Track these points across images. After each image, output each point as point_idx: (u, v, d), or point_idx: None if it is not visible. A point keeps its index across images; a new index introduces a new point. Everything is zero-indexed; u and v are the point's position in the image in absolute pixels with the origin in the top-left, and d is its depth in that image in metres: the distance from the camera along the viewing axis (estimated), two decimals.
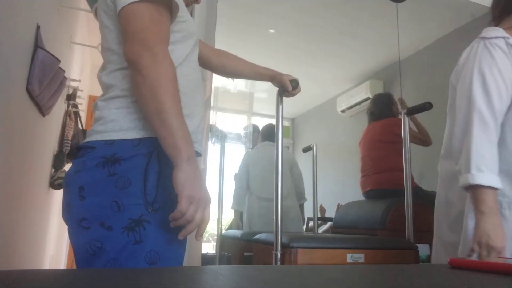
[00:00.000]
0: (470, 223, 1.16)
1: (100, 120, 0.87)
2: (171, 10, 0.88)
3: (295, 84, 1.32)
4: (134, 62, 0.80)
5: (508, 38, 1.18)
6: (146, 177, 0.82)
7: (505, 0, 1.28)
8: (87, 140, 0.88)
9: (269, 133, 3.23)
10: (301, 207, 3.11)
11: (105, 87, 0.91)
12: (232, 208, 3.18)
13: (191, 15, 2.22)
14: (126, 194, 0.80)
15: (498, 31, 1.20)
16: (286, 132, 4.97)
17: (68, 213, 0.84)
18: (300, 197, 3.12)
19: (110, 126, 0.85)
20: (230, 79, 3.73)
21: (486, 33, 1.22)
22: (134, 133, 0.85)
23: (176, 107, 0.80)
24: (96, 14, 2.14)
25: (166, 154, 0.81)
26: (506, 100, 1.14)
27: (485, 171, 1.08)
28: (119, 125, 0.85)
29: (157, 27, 0.83)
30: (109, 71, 0.90)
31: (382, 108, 2.78)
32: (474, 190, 1.09)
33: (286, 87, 1.31)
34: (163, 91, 0.79)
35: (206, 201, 0.82)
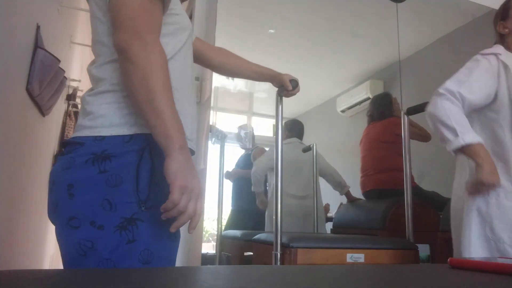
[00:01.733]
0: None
1: (89, 115, 0.84)
2: (163, 1, 0.86)
3: (294, 84, 1.33)
4: (124, 50, 0.78)
5: (500, 54, 1.41)
6: (138, 174, 0.80)
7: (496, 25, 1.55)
8: (74, 135, 0.84)
9: (296, 129, 3.20)
10: (347, 195, 3.02)
11: (95, 81, 0.88)
12: (253, 190, 3.11)
13: (191, 15, 2.23)
14: (118, 192, 0.78)
15: (494, 49, 1.44)
16: None
17: (56, 212, 0.81)
18: (341, 186, 3.02)
19: (100, 122, 0.82)
20: (230, 79, 3.74)
21: (484, 50, 1.45)
22: (125, 129, 0.82)
23: (167, 95, 0.78)
24: None
25: (158, 143, 0.79)
26: (478, 95, 1.36)
27: (468, 132, 1.31)
28: (109, 121, 0.82)
29: (148, 16, 0.81)
30: (99, 64, 0.87)
31: (382, 109, 2.78)
32: (466, 149, 1.31)
33: (286, 87, 1.31)
34: (154, 79, 0.77)
35: (199, 191, 0.80)
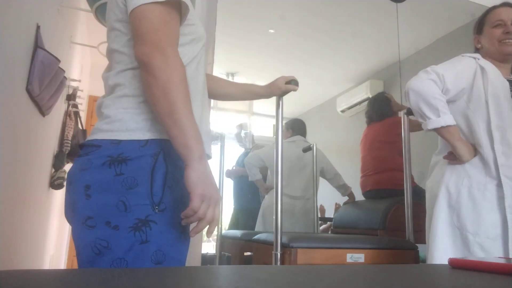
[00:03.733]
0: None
1: (106, 119, 0.87)
2: (180, 12, 0.89)
3: (295, 83, 1.34)
4: (145, 63, 0.81)
5: (479, 59, 1.50)
6: (153, 177, 0.83)
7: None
8: (91, 138, 0.87)
9: (299, 128, 3.19)
10: (350, 195, 3.01)
11: (111, 87, 0.91)
12: (251, 180, 3.10)
13: None
14: (133, 194, 0.81)
15: (474, 54, 1.53)
16: None
17: (73, 212, 0.84)
18: (344, 188, 3.03)
19: (117, 126, 0.86)
20: (230, 78, 3.73)
21: (466, 54, 1.55)
22: (140, 134, 0.85)
23: (187, 107, 0.82)
24: (96, 14, 2.14)
25: (178, 153, 0.83)
26: (455, 87, 1.44)
27: (448, 114, 1.39)
28: (126, 125, 0.85)
29: (167, 28, 0.84)
30: (118, 71, 0.90)
31: (381, 110, 2.78)
32: (444, 130, 1.40)
33: (292, 90, 1.34)
34: (175, 91, 0.80)
35: (217, 199, 0.84)
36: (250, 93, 1.33)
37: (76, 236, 0.84)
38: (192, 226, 0.86)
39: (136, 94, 0.87)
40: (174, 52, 0.83)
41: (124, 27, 0.89)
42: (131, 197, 0.81)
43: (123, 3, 0.88)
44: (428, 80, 1.41)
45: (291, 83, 1.32)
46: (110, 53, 0.94)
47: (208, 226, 0.83)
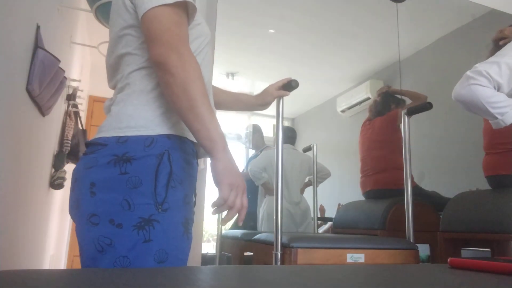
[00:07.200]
0: None
1: (114, 116, 0.89)
2: (188, 13, 0.92)
3: (295, 83, 1.34)
4: (162, 63, 0.83)
5: None
6: (157, 178, 0.84)
7: None
8: (99, 136, 0.89)
9: (287, 136, 3.24)
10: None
11: (121, 88, 0.93)
12: (257, 184, 3.20)
13: None
14: (137, 193, 0.82)
15: None
16: None
17: (78, 209, 0.85)
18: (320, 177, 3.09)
19: (125, 123, 0.87)
20: (230, 78, 3.74)
21: None
22: (149, 130, 0.87)
23: (206, 101, 0.84)
24: (96, 14, 2.14)
25: (202, 146, 0.86)
26: (506, 78, 1.28)
27: (507, 111, 1.25)
28: (134, 122, 0.87)
29: (178, 29, 0.87)
30: (129, 72, 0.92)
31: (380, 107, 2.77)
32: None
33: (284, 95, 1.35)
34: (194, 87, 0.83)
35: (244, 187, 0.87)
36: (242, 103, 1.35)
37: (80, 233, 0.85)
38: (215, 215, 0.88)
39: (146, 90, 0.90)
40: (187, 50, 0.86)
41: (136, 31, 0.92)
42: (135, 196, 0.82)
43: (133, 8, 0.90)
44: (468, 86, 1.27)
45: (291, 84, 1.32)
46: (119, 58, 0.95)
47: (237, 214, 0.87)
